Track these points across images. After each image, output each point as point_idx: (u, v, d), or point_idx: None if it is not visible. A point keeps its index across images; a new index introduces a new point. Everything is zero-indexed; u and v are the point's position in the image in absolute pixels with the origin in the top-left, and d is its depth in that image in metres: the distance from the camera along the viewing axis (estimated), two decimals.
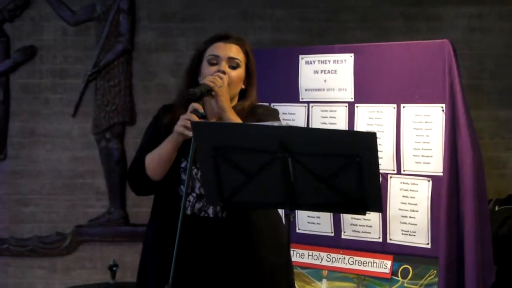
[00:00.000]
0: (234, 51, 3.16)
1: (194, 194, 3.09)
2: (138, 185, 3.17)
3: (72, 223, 5.91)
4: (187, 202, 3.06)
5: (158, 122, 3.20)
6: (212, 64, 3.13)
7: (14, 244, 5.93)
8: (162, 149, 3.07)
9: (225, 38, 3.19)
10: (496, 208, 4.97)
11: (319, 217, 4.25)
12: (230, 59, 3.14)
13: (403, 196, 4.02)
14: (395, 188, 4.05)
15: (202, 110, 2.97)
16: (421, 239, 3.97)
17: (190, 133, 2.91)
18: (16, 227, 5.94)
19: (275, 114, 3.22)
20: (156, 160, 3.08)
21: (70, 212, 5.92)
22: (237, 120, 3.03)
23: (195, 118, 2.94)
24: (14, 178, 5.95)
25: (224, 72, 3.09)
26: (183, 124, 2.96)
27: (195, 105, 2.97)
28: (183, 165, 3.10)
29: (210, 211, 3.08)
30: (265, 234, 3.10)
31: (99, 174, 5.91)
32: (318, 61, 4.26)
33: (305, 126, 4.20)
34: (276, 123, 2.91)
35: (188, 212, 3.07)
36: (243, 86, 3.20)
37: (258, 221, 3.10)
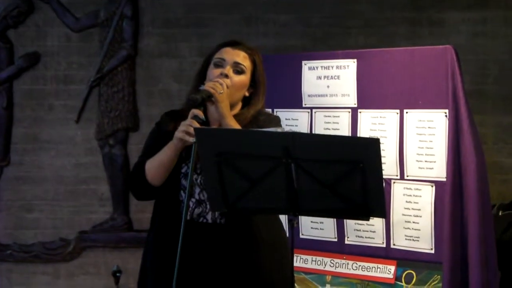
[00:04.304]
0: (241, 57, 3.15)
1: (193, 200, 3.08)
2: (138, 190, 3.15)
3: (75, 229, 5.92)
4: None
5: (160, 128, 3.19)
6: (217, 66, 3.12)
7: (17, 250, 5.93)
8: (162, 155, 3.05)
9: (235, 44, 3.20)
10: (500, 213, 4.96)
11: (322, 223, 4.25)
12: (236, 64, 3.13)
13: (406, 202, 4.02)
14: (399, 194, 4.04)
15: (203, 116, 2.96)
16: (425, 244, 3.97)
17: (190, 139, 2.91)
18: (20, 233, 5.95)
19: (276, 122, 3.19)
20: (156, 166, 3.06)
21: (73, 218, 5.93)
22: (236, 126, 3.02)
23: (195, 124, 2.93)
24: (17, 184, 5.95)
25: (226, 76, 3.09)
26: (184, 130, 2.95)
27: (196, 111, 2.96)
28: (183, 170, 3.09)
29: (209, 217, 3.07)
30: (265, 241, 3.09)
31: (102, 180, 5.91)
32: (321, 66, 4.26)
33: (308, 132, 4.20)
34: (279, 129, 2.91)
35: (187, 217, 3.04)
36: (246, 94, 3.19)
37: (258, 228, 3.08)
